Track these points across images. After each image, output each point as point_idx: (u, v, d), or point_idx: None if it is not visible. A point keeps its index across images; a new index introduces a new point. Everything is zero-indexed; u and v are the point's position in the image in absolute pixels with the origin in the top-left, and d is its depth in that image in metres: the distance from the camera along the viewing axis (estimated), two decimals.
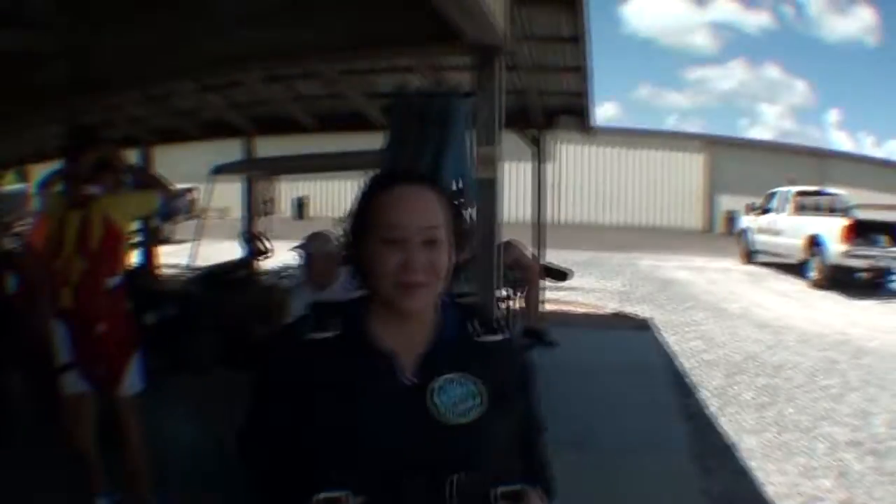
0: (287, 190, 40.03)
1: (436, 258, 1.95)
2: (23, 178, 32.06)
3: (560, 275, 9.80)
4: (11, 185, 31.64)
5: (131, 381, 5.55)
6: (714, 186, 35.13)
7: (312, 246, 5.77)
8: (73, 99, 8.95)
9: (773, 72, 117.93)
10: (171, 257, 18.78)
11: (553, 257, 11.57)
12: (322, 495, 1.84)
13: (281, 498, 2.02)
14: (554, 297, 13.37)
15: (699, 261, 23.03)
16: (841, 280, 17.45)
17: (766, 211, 22.00)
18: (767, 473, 6.31)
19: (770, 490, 5.95)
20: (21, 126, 13.64)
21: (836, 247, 17.28)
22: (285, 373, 2.01)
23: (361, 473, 1.87)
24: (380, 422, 1.90)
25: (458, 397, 1.95)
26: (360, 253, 2.04)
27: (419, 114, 7.13)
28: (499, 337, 2.13)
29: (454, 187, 6.95)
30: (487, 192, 6.01)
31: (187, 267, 11.78)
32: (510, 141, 7.57)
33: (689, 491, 5.94)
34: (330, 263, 5.64)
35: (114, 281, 5.32)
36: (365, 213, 2.01)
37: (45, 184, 6.25)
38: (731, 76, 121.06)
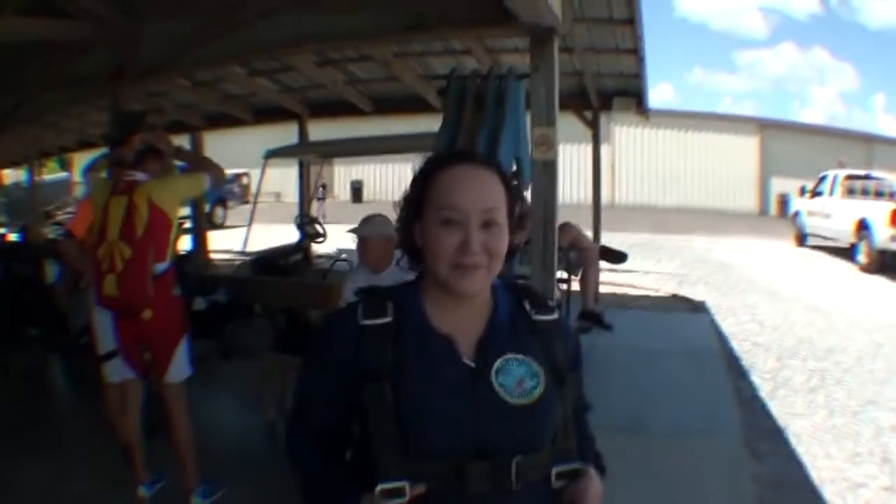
0: (343, 174, 40.20)
1: (494, 240, 1.92)
2: (65, 166, 32.37)
3: (618, 257, 9.70)
4: (54, 174, 31.91)
5: (179, 367, 5.50)
6: (767, 169, 34.83)
7: (368, 229, 5.72)
8: (118, 86, 8.98)
9: (821, 56, 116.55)
10: (224, 242, 18.93)
11: (609, 239, 11.52)
12: (383, 486, 1.83)
13: (331, 489, 2.01)
14: (610, 280, 13.34)
15: (753, 243, 22.81)
16: (889, 264, 17.18)
17: (816, 194, 21.75)
18: (815, 458, 6.26)
19: (816, 475, 5.90)
20: (64, 115, 13.79)
21: (883, 231, 16.99)
22: (340, 360, 1.98)
23: (425, 460, 1.85)
24: (445, 406, 1.88)
25: (519, 377, 1.94)
26: (416, 234, 2.03)
27: (475, 95, 7.12)
28: (552, 316, 2.12)
29: (511, 169, 6.94)
30: (545, 173, 5.99)
31: (240, 252, 11.81)
32: (566, 123, 7.53)
33: (741, 476, 5.89)
34: (385, 247, 5.61)
35: (161, 266, 5.24)
36: (423, 194, 2.00)
37: (89, 169, 6.24)
38: (781, 60, 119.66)
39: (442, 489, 1.85)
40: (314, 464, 2.09)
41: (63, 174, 32.96)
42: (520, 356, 1.98)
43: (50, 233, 20.58)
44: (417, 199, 2.01)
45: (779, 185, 33.53)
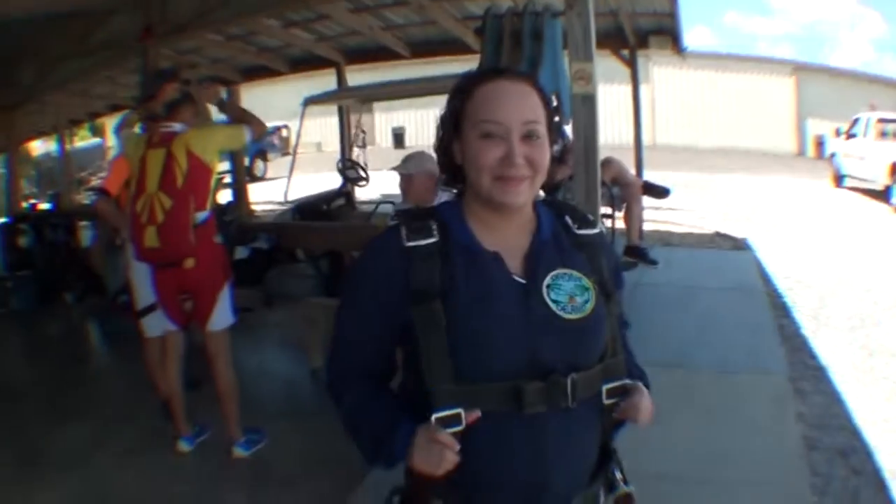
0: (384, 121, 40.08)
1: (536, 153, 1.92)
2: (97, 132, 32.44)
3: (661, 192, 9.61)
4: (86, 142, 31.99)
5: (222, 315, 5.53)
6: (803, 111, 34.49)
7: (410, 165, 5.73)
8: (148, 46, 9.00)
9: (850, 1, 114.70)
10: (265, 195, 18.98)
11: (651, 178, 11.46)
12: (438, 414, 1.81)
13: (382, 422, 1.96)
14: (653, 218, 13.30)
15: (792, 184, 22.57)
16: None
17: (851, 136, 21.46)
18: (856, 397, 6.24)
19: (857, 415, 5.89)
20: (92, 80, 13.85)
21: None
22: (384, 285, 1.97)
23: (479, 382, 1.84)
24: (499, 323, 1.87)
25: (570, 292, 1.94)
26: (455, 152, 2.03)
27: (511, 33, 7.09)
28: (595, 230, 2.13)
29: (551, 104, 6.92)
30: (584, 107, 5.98)
31: (281, 202, 11.82)
32: (605, 63, 7.51)
33: (786, 414, 5.89)
34: (428, 182, 5.62)
35: (202, 215, 5.25)
36: (461, 111, 1.99)
37: (121, 126, 6.21)
38: (813, 4, 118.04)
39: (499, 412, 1.84)
40: (361, 397, 2.05)
41: (96, 140, 33.03)
42: (569, 271, 1.98)
43: (84, 199, 20.73)
44: (455, 116, 2.01)
45: (814, 126, 33.21)
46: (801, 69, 35.26)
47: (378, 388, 2.08)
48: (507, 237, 2.01)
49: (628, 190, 8.92)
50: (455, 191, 2.16)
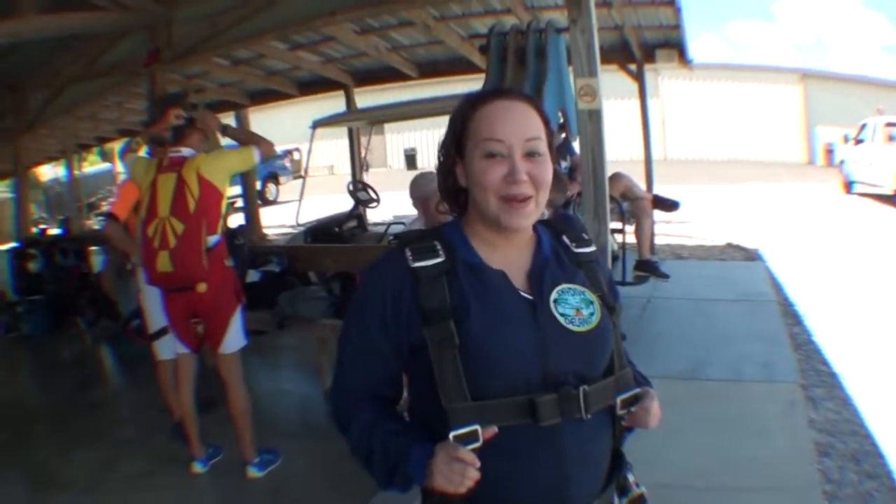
0: (396, 142, 40.14)
1: (539, 170, 1.95)
2: (107, 157, 32.56)
3: (670, 205, 9.61)
4: (95, 167, 32.10)
5: (234, 337, 5.54)
6: (812, 119, 34.43)
7: (420, 185, 5.72)
8: (155, 71, 9.05)
9: (854, 6, 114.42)
10: (277, 218, 19.03)
11: (662, 192, 11.47)
12: (455, 432, 1.80)
13: (395, 445, 1.94)
14: (664, 231, 13.30)
15: (803, 192, 22.53)
16: None
17: (859, 142, 21.44)
18: (868, 403, 6.22)
19: (869, 420, 5.87)
20: (100, 105, 13.91)
21: None
22: (392, 308, 1.96)
23: (494, 398, 1.84)
24: (511, 338, 1.88)
25: (576, 306, 1.97)
26: (459, 175, 2.06)
27: (516, 50, 7.14)
28: (591, 248, 2.17)
29: (558, 119, 6.96)
30: (591, 122, 6.01)
31: (293, 225, 11.84)
32: (613, 79, 7.55)
33: (798, 421, 5.89)
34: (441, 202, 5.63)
35: (213, 239, 5.27)
36: (462, 133, 2.02)
37: (125, 151, 6.10)
38: (817, 9, 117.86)
39: (514, 426, 1.84)
40: (370, 422, 2.02)
41: (105, 165, 33.12)
42: (573, 286, 2.02)
43: (95, 224, 20.78)
44: (457, 139, 2.04)
45: (823, 134, 33.16)
46: (808, 77, 35.22)
47: (387, 411, 2.07)
48: (510, 255, 2.04)
49: (638, 204, 8.92)
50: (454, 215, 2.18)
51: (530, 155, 1.94)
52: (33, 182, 24.70)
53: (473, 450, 1.78)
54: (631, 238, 9.13)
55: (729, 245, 13.80)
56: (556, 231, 2.18)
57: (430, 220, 5.51)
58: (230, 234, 6.53)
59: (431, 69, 13.17)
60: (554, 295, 1.97)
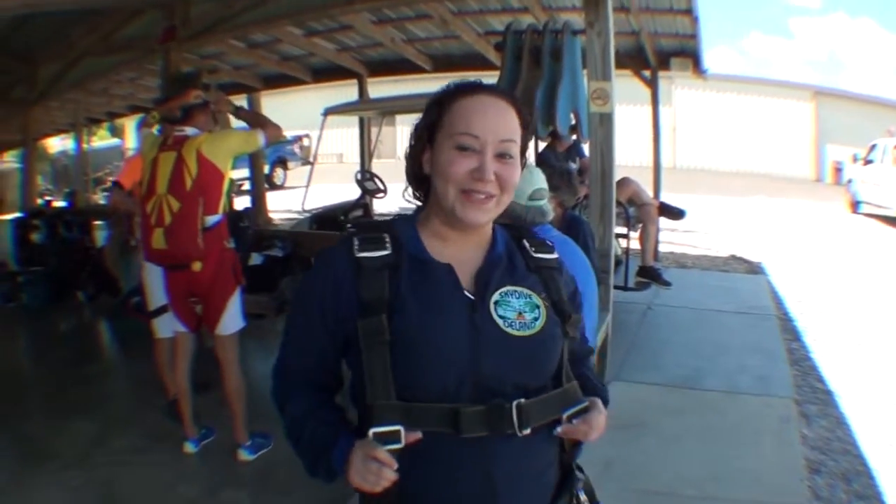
0: (407, 134, 40.27)
1: (508, 171, 1.91)
2: (116, 133, 32.51)
3: (676, 213, 9.61)
4: (104, 141, 32.05)
5: (231, 319, 5.54)
6: (822, 136, 34.39)
7: None
8: (169, 49, 9.04)
9: (868, 26, 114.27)
10: (283, 203, 19.04)
11: (669, 200, 11.47)
12: (376, 429, 1.78)
13: (322, 433, 1.94)
14: (668, 240, 13.31)
15: (810, 209, 22.53)
16: None
17: (868, 162, 21.53)
18: (861, 422, 6.24)
19: (861, 440, 5.88)
20: (113, 80, 13.91)
21: None
22: (333, 296, 1.94)
23: (420, 402, 1.80)
24: (443, 337, 1.84)
25: (519, 309, 1.92)
26: (424, 162, 2.02)
27: (531, 49, 7.14)
28: (552, 255, 2.11)
29: (570, 121, 6.96)
30: (602, 126, 6.02)
31: (299, 211, 11.83)
32: (627, 85, 7.55)
33: (790, 437, 5.91)
34: None
35: (213, 219, 5.29)
36: (438, 121, 1.97)
37: (141, 124, 6.22)
38: (833, 28, 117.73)
39: (438, 435, 1.80)
40: (303, 407, 2.03)
41: (115, 140, 33.07)
42: (519, 288, 1.96)
43: (100, 199, 20.75)
44: (431, 126, 1.99)
45: (833, 152, 33.15)
46: (821, 94, 35.21)
47: (320, 399, 2.05)
48: (461, 252, 2.00)
49: (644, 210, 8.93)
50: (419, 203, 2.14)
51: (501, 156, 1.91)
52: (41, 153, 24.68)
53: (395, 451, 1.75)
54: (635, 244, 9.15)
55: (732, 257, 13.81)
56: (518, 235, 2.14)
57: None
58: (235, 216, 6.53)
59: (446, 63, 13.16)
60: (496, 296, 1.92)
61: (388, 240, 1.96)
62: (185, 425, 5.80)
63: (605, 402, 2.06)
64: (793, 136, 34.48)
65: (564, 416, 1.89)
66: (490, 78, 7.81)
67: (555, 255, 2.11)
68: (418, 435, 1.77)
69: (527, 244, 2.09)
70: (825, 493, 5.02)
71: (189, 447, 5.78)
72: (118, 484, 5.35)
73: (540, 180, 4.00)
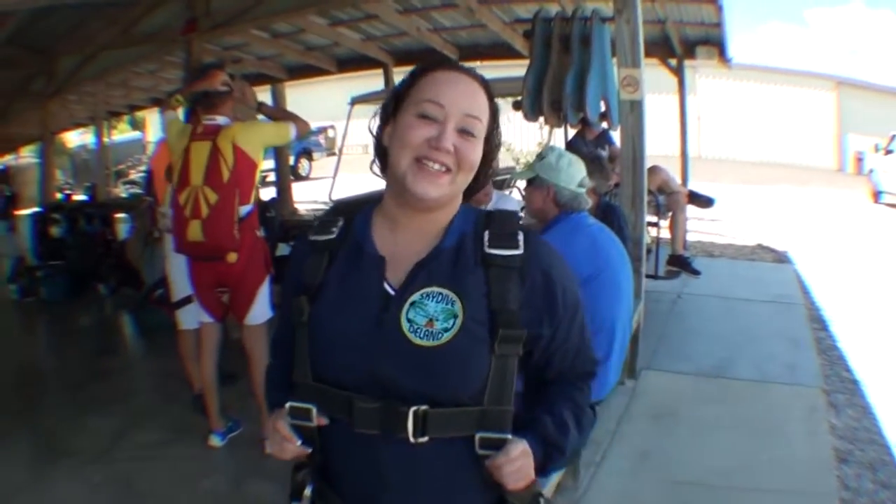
0: None
1: (468, 148, 1.83)
2: (137, 126, 32.63)
3: (705, 201, 9.55)
4: (125, 135, 32.19)
5: (260, 309, 5.50)
6: (844, 126, 34.23)
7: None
8: (191, 40, 9.05)
9: (887, 16, 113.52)
10: (309, 194, 19.06)
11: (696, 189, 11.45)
12: (293, 403, 1.85)
13: (272, 399, 2.10)
14: (696, 228, 13.30)
15: (831, 198, 22.44)
16: None
17: (889, 152, 21.49)
18: (889, 412, 6.21)
19: (888, 430, 5.86)
20: (133, 72, 13.94)
21: None
22: (293, 276, 1.99)
23: (329, 385, 1.81)
24: (348, 329, 1.82)
25: (432, 315, 1.79)
26: (386, 133, 1.95)
27: (560, 37, 7.12)
28: (514, 252, 1.86)
29: (600, 108, 6.94)
30: (632, 113, 6.02)
31: (325, 202, 11.83)
32: (652, 74, 7.52)
33: (819, 426, 5.90)
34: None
35: (245, 209, 5.25)
36: (406, 92, 1.90)
37: (165, 106, 6.00)
38: (852, 18, 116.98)
39: (338, 422, 1.81)
40: (274, 375, 2.17)
41: (135, 134, 33.18)
42: (445, 291, 1.81)
43: (122, 192, 20.79)
44: (398, 96, 1.93)
45: (855, 142, 32.98)
46: (843, 84, 35.05)
47: (285, 366, 2.03)
48: (406, 241, 1.92)
49: (674, 198, 8.90)
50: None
51: (464, 131, 1.83)
52: (59, 148, 24.76)
53: (309, 428, 1.84)
54: (664, 233, 9.13)
55: (759, 246, 13.78)
56: (485, 224, 1.93)
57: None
58: (262, 207, 6.52)
59: (472, 52, 13.09)
60: (415, 297, 1.81)
61: (340, 224, 1.98)
62: (210, 418, 5.77)
63: (560, 452, 1.90)
64: (815, 125, 34.33)
65: (477, 437, 1.78)
66: (518, 68, 7.83)
67: (516, 253, 1.86)
68: (324, 420, 1.83)
69: (486, 235, 1.89)
70: (853, 482, 5.02)
71: (215, 440, 5.76)
72: (142, 479, 5.35)
73: (584, 169, 4.00)
